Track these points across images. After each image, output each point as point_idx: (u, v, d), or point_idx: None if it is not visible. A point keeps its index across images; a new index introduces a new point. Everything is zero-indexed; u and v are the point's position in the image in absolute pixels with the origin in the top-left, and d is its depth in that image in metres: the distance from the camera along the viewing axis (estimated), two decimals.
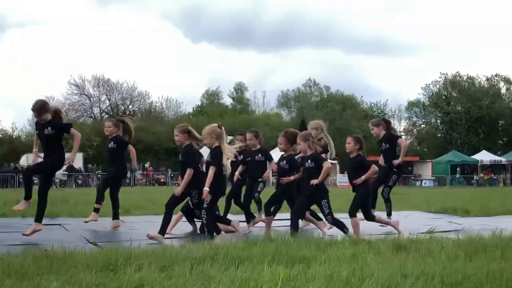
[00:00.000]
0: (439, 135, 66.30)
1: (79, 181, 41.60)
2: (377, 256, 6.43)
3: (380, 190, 10.94)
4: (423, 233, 9.23)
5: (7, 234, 9.37)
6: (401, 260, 6.10)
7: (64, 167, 40.66)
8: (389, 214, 10.78)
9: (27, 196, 8.89)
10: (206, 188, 8.08)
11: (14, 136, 56.25)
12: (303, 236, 7.85)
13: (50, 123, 8.70)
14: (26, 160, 45.06)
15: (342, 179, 41.64)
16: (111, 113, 65.45)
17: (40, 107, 8.69)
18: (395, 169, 10.29)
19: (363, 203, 9.24)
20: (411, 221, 11.85)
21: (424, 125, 68.63)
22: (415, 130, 69.16)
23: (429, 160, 55.83)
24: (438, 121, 67.24)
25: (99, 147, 51.42)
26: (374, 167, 9.12)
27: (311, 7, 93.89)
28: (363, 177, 8.95)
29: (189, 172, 8.31)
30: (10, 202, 14.77)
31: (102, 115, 65.83)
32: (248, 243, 7.15)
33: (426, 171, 53.04)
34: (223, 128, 8.45)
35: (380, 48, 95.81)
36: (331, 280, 4.87)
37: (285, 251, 6.44)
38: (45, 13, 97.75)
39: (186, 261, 5.76)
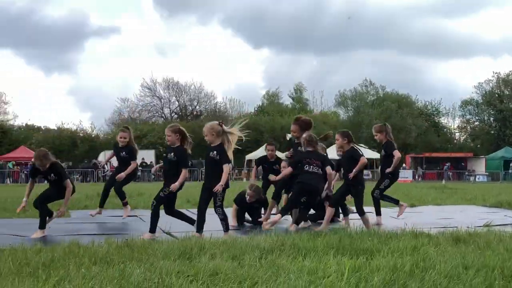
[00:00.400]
0: (492, 132, 64.40)
1: (153, 176, 42.33)
2: (438, 248, 6.30)
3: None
4: (480, 226, 8.99)
5: (90, 224, 9.63)
6: (461, 252, 5.97)
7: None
8: (378, 213, 10.32)
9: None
10: (221, 184, 7.61)
11: (93, 135, 57.78)
12: (365, 229, 7.76)
13: (53, 170, 8.51)
14: (104, 157, 46.31)
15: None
16: (180, 114, 66.42)
17: (43, 156, 8.38)
18: (389, 175, 10.00)
19: (361, 198, 9.01)
20: (467, 215, 11.57)
21: (477, 123, 66.77)
22: (468, 127, 67.42)
23: (482, 156, 54.39)
24: (491, 118, 65.30)
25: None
26: (363, 159, 8.78)
27: (368, 9, 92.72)
28: (354, 170, 8.71)
29: (184, 172, 7.95)
30: (92, 196, 15.21)
31: (172, 115, 66.86)
32: (312, 235, 7.13)
33: (479, 166, 51.77)
34: (223, 126, 8.02)
35: (434, 48, 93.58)
36: (395, 271, 4.80)
37: (349, 243, 6.38)
38: (119, 21, 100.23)
39: (256, 251, 5.79)
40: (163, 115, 66.69)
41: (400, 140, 58.40)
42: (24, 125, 59.90)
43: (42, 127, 59.37)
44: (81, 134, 55.91)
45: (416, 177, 48.14)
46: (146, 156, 45.06)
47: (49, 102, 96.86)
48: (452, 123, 68.34)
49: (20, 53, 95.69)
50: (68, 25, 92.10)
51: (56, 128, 56.89)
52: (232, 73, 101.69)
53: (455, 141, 66.21)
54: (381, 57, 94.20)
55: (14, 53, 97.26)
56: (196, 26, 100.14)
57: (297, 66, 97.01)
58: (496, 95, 64.51)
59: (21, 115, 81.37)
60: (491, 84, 65.50)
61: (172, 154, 8.04)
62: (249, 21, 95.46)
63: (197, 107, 67.65)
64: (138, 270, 4.63)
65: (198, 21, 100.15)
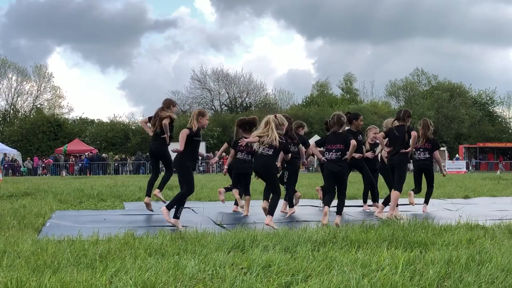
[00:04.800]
0: None
1: (201, 168, 42.74)
2: (493, 241, 6.16)
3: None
4: None
5: (144, 216, 9.81)
6: None
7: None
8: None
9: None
10: None
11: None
12: (419, 221, 7.65)
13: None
14: None
15: (451, 165, 40.30)
16: (230, 105, 66.78)
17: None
18: None
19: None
20: None
21: None
22: None
23: None
24: None
25: (219, 136, 52.63)
26: (353, 142, 8.43)
27: None
28: (346, 155, 8.46)
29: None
30: (144, 188, 15.47)
31: (222, 107, 67.27)
32: (364, 227, 7.08)
33: None
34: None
35: (491, 36, 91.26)
36: (450, 264, 4.73)
37: (402, 235, 6.32)
38: (176, 15, 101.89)
39: (308, 244, 5.79)
40: (213, 107, 67.19)
41: (453, 130, 57.28)
42: (78, 118, 61.38)
43: (95, 120, 60.65)
44: (133, 127, 56.86)
45: (470, 167, 47.13)
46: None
47: (104, 95, 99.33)
48: (507, 112, 66.53)
49: (78, 48, 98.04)
50: (125, 20, 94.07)
51: (108, 121, 58.03)
52: (285, 64, 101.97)
53: (510, 130, 64.41)
54: (437, 45, 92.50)
55: (72, 48, 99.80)
56: (251, 17, 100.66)
57: (350, 56, 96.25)
58: None
59: (76, 108, 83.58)
60: None
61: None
62: (302, 11, 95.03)
63: (247, 99, 67.89)
64: (192, 261, 4.70)
65: (253, 13, 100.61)
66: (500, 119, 64.81)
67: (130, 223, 8.40)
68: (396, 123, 9.51)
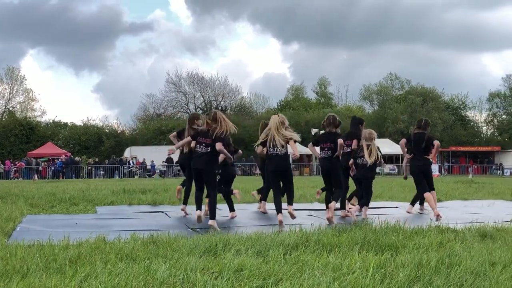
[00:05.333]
0: None
1: (178, 171, 42.60)
2: (464, 244, 6.24)
3: None
4: (508, 221, 8.89)
5: (116, 220, 9.72)
6: (488, 248, 5.91)
7: (164, 159, 41.41)
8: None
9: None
10: None
11: (119, 131, 58.27)
12: (390, 225, 7.71)
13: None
14: (129, 153, 46.70)
15: None
16: (205, 109, 66.63)
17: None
18: None
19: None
20: (494, 210, 11.43)
21: (505, 116, 65.75)
22: (496, 120, 66.45)
23: (510, 150, 53.67)
24: None
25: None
26: (340, 141, 9.22)
27: (401, 2, 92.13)
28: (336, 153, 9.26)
29: None
30: (118, 191, 15.36)
31: (197, 110, 67.09)
32: (337, 231, 7.11)
33: (507, 160, 51.07)
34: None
35: (464, 42, 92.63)
36: (420, 267, 4.77)
37: (374, 238, 6.36)
38: (152, 18, 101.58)
39: (280, 247, 5.79)
40: (188, 110, 66.97)
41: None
42: (51, 121, 60.67)
43: (68, 124, 60.00)
44: (106, 130, 56.39)
45: (443, 171, 47.67)
46: None
47: (78, 98, 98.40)
48: (479, 116, 67.50)
49: (52, 50, 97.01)
50: (100, 23, 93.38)
51: (82, 125, 57.46)
52: (261, 68, 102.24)
53: (482, 135, 65.31)
54: (411, 50, 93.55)
55: (46, 50, 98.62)
56: (227, 21, 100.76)
57: (326, 61, 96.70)
58: None
59: (49, 111, 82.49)
60: None
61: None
62: (278, 16, 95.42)
63: (222, 102, 67.81)
64: (163, 266, 4.67)
65: (229, 17, 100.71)
66: (472, 123, 65.67)
67: (102, 228, 8.31)
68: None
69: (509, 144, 58.42)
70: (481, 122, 67.23)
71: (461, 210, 11.56)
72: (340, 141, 9.20)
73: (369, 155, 9.78)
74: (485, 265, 4.93)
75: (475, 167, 49.49)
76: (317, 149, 9.70)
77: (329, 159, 9.30)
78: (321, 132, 11.00)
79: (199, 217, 8.57)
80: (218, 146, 8.35)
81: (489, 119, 66.89)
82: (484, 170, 49.72)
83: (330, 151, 9.28)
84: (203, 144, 8.53)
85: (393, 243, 6.08)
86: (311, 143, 9.94)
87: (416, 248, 5.87)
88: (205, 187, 8.88)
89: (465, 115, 65.87)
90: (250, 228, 8.06)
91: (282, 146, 8.56)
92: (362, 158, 9.93)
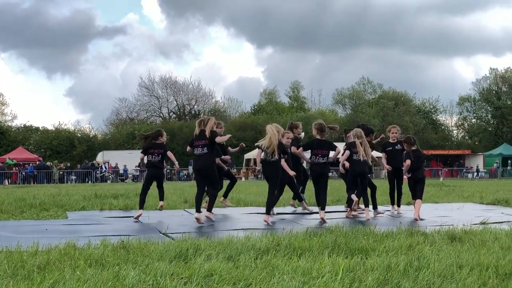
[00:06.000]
0: (490, 129, 64.35)
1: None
2: (433, 247, 6.31)
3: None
4: (476, 224, 9.01)
5: (87, 226, 9.62)
6: (456, 251, 5.98)
7: (136, 164, 41.06)
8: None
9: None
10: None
11: (91, 135, 57.68)
12: (361, 228, 7.76)
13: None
14: (102, 157, 46.26)
15: None
16: (178, 113, 66.38)
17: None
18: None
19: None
20: (464, 213, 11.59)
21: (475, 120, 66.81)
22: (466, 124, 67.46)
23: (480, 153, 54.52)
24: (489, 115, 65.35)
25: (167, 144, 52.27)
26: (338, 149, 10.30)
27: (374, 7, 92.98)
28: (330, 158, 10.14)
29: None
30: (89, 196, 15.21)
31: (170, 114, 66.80)
32: (308, 234, 7.14)
33: (477, 163, 51.85)
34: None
35: (436, 46, 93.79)
36: (389, 270, 4.81)
37: (344, 242, 6.39)
38: (125, 21, 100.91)
39: (251, 252, 5.79)
40: (161, 114, 66.66)
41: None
42: (22, 126, 59.82)
43: (40, 128, 59.24)
44: (79, 135, 55.82)
45: None
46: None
47: (50, 102, 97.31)
48: (450, 120, 68.46)
49: (24, 54, 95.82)
50: (73, 27, 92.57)
51: (53, 129, 56.76)
52: (235, 72, 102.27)
53: (453, 138, 66.21)
54: (384, 54, 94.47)
55: (17, 54, 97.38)
56: (201, 25, 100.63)
57: (300, 65, 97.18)
58: (494, 92, 64.52)
59: (20, 116, 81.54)
60: (488, 81, 65.54)
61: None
62: (252, 20, 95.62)
63: (196, 106, 67.62)
64: (132, 272, 4.64)
65: (203, 21, 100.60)
66: (443, 127, 66.56)
67: (72, 233, 8.23)
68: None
69: (479, 148, 59.35)
70: (452, 126, 68.23)
71: (432, 213, 11.68)
72: (338, 149, 10.21)
73: (364, 150, 10.35)
74: (453, 268, 4.99)
75: (446, 170, 50.11)
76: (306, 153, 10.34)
77: (323, 165, 10.01)
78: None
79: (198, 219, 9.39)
80: (219, 139, 9.59)
81: (460, 122, 67.90)
82: (455, 173, 50.36)
83: (325, 158, 10.00)
84: (199, 147, 9.53)
85: (363, 247, 6.12)
86: (301, 148, 10.41)
87: (385, 251, 5.92)
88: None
89: (436, 119, 66.76)
90: (222, 232, 8.05)
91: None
92: (357, 154, 10.36)
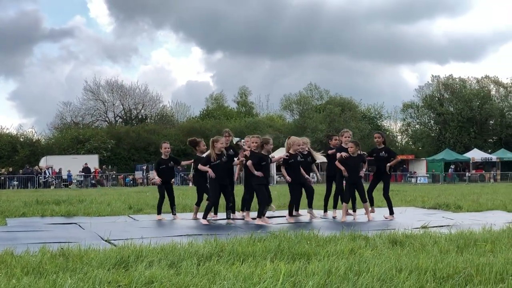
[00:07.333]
0: (433, 134, 66.04)
1: (93, 182, 41.64)
2: (374, 251, 6.40)
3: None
4: (418, 228, 9.20)
5: (27, 233, 9.37)
6: (396, 254, 6.08)
7: (80, 169, 40.29)
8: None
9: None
10: None
11: (34, 140, 56.27)
12: (305, 233, 7.81)
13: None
14: (45, 162, 45.18)
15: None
16: (125, 117, 65.50)
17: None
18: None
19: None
20: (406, 217, 11.83)
21: (418, 126, 68.44)
22: (409, 130, 69.06)
23: (423, 158, 55.81)
24: (432, 121, 67.02)
25: (113, 149, 51.55)
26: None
27: (324, 14, 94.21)
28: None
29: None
30: (30, 203, 14.83)
31: (116, 119, 65.87)
32: (252, 240, 7.14)
33: (420, 168, 53.07)
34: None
35: (382, 54, 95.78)
36: (329, 275, 4.85)
37: (287, 247, 6.42)
38: (72, 24, 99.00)
39: (194, 258, 5.75)
40: (107, 119, 65.65)
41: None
42: None
43: None
44: (21, 139, 54.39)
45: None
46: (90, 161, 44.20)
47: None
48: (394, 126, 69.92)
49: None
50: (18, 29, 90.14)
51: None
52: (184, 76, 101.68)
53: (397, 144, 67.61)
54: (332, 61, 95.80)
55: None
56: (150, 29, 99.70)
57: (249, 70, 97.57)
58: (436, 99, 66.21)
59: None
60: (431, 88, 67.23)
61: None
62: (202, 25, 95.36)
63: (143, 110, 66.89)
64: (70, 280, 4.53)
65: (152, 24, 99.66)
66: (387, 132, 67.91)
67: (10, 240, 8.00)
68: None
69: (422, 153, 60.81)
70: (396, 132, 69.70)
71: (376, 217, 11.88)
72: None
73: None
74: (392, 271, 5.06)
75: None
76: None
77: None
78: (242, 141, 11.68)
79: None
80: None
81: (404, 128, 69.42)
82: (399, 178, 51.37)
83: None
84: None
85: (306, 251, 6.16)
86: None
87: (327, 255, 5.97)
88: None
89: (381, 125, 68.06)
90: (165, 238, 7.96)
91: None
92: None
